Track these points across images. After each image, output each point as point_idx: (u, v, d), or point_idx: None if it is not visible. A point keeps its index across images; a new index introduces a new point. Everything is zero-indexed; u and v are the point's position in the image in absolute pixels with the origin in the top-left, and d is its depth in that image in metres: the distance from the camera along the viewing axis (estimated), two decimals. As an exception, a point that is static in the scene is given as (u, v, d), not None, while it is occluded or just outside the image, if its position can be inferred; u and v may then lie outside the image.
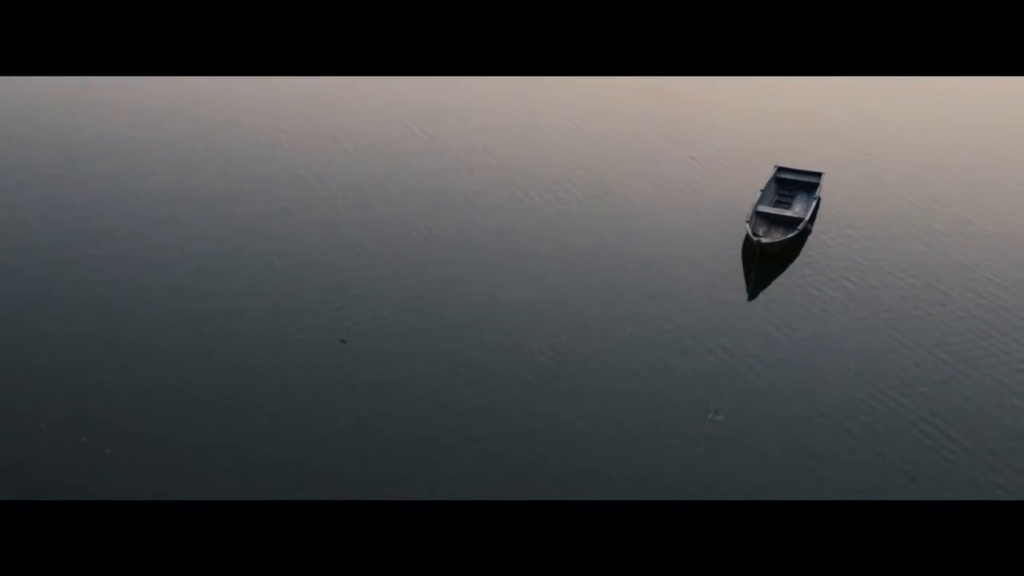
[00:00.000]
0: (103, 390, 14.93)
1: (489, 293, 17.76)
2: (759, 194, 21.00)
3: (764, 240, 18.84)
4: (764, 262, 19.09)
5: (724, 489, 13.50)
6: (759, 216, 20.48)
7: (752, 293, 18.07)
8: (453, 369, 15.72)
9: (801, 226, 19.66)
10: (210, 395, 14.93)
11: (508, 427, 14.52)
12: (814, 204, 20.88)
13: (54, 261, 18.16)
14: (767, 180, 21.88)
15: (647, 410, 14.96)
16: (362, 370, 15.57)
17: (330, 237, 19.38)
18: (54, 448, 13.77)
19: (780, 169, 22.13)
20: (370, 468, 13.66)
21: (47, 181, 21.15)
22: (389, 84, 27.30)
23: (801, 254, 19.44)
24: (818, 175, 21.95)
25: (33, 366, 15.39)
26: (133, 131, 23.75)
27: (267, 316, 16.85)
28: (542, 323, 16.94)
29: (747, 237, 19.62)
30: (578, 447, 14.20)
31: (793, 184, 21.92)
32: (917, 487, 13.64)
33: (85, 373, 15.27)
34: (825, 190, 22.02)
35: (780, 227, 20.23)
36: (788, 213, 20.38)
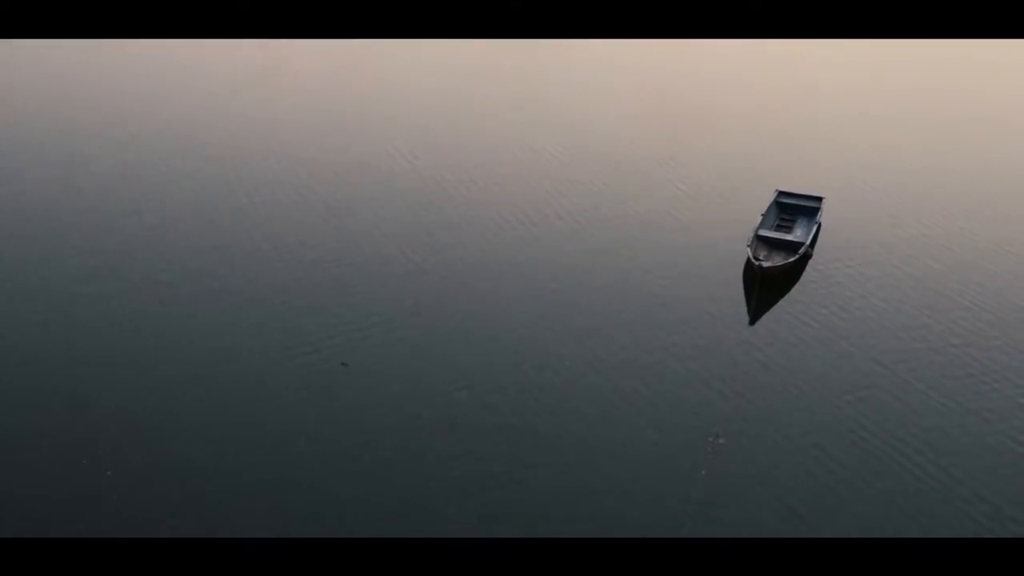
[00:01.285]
0: (101, 409, 14.96)
1: (484, 317, 17.77)
2: (760, 218, 21.03)
3: (765, 264, 18.87)
4: (765, 286, 19.11)
5: (723, 515, 13.48)
6: (760, 240, 20.52)
7: (753, 317, 18.09)
8: (446, 388, 15.72)
9: (802, 250, 19.70)
10: (210, 418, 14.96)
11: (499, 449, 14.51)
12: (815, 228, 20.92)
13: (50, 279, 18.22)
14: (768, 204, 21.92)
15: (647, 434, 14.94)
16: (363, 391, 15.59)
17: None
18: (51, 471, 13.78)
19: (781, 193, 22.17)
20: (361, 497, 13.67)
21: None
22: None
23: (802, 279, 19.47)
24: (819, 199, 21.99)
25: (29, 387, 15.42)
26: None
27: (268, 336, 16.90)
28: (538, 346, 16.95)
29: (748, 261, 19.65)
30: (576, 470, 14.18)
31: (794, 208, 21.96)
32: (913, 524, 13.63)
33: (79, 394, 15.31)
34: (825, 214, 22.09)
35: (781, 251, 20.26)
36: (789, 237, 20.42)
